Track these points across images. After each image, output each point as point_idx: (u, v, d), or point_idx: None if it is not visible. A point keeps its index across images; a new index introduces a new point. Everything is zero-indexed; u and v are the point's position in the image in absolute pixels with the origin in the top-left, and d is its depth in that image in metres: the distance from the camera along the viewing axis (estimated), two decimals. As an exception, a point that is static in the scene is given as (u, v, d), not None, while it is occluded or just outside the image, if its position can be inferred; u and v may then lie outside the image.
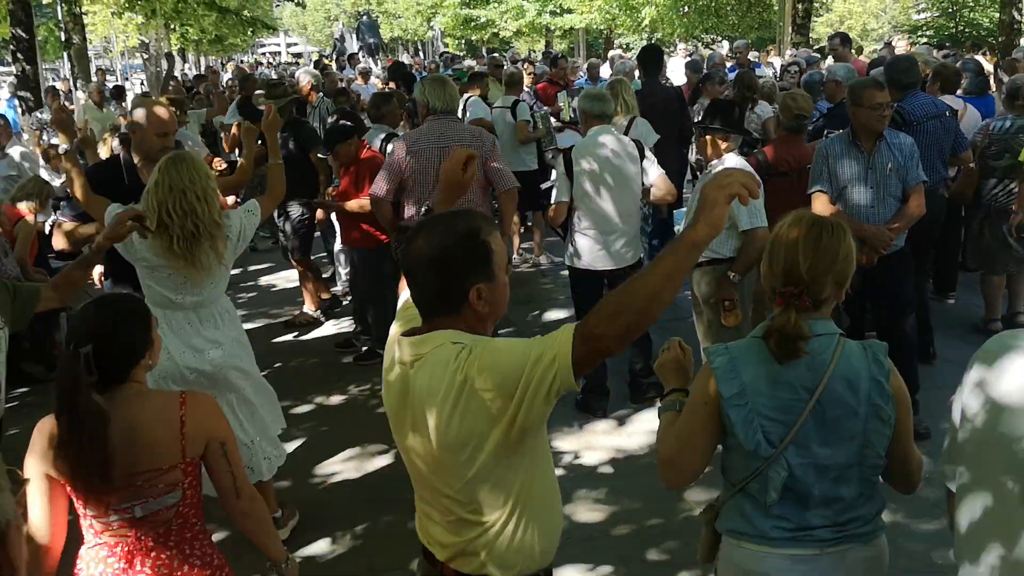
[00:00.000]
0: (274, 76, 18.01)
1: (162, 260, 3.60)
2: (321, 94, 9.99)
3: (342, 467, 4.84)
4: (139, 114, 4.31)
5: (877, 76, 5.67)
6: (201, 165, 3.64)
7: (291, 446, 4.94)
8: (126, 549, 2.30)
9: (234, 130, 8.22)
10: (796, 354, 2.12)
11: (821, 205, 4.74)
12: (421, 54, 40.41)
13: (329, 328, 7.18)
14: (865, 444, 2.18)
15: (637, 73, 8.79)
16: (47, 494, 2.25)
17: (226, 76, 19.56)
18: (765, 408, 2.16)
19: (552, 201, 5.20)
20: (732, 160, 4.60)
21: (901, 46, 12.64)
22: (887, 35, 27.47)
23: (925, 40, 23.73)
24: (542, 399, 1.83)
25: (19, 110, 12.22)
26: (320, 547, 4.09)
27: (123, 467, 2.20)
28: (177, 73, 27.82)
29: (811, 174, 4.88)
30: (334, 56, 28.29)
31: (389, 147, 6.37)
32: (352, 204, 5.96)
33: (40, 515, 2.26)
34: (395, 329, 2.22)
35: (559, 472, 4.64)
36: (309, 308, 7.29)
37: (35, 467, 2.24)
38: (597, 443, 4.98)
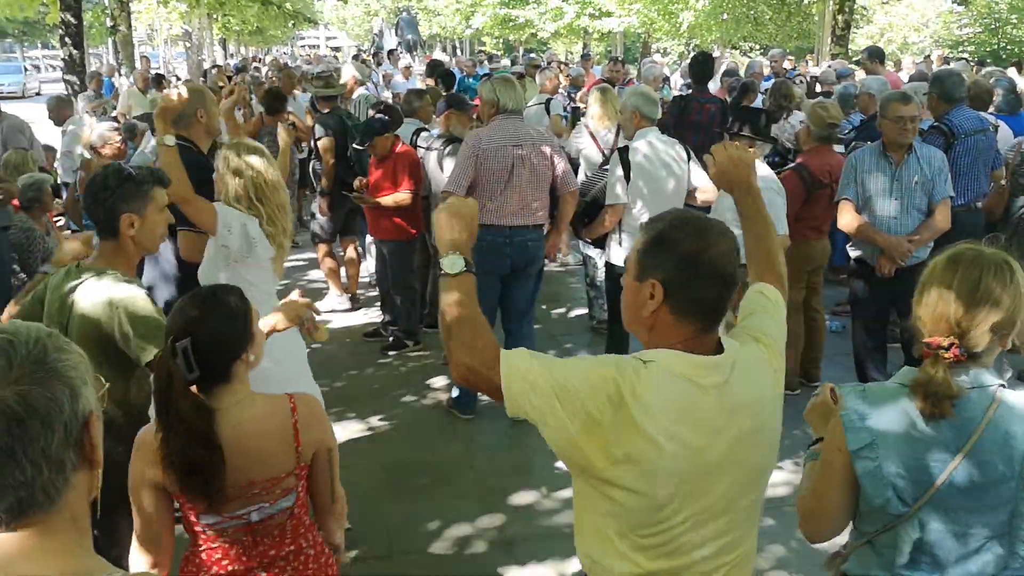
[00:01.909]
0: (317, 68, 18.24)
1: (268, 254, 3.56)
2: (363, 88, 10.19)
3: (366, 452, 4.97)
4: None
5: (907, 90, 5.71)
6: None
7: (318, 429, 5.07)
8: (240, 552, 2.22)
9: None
10: (943, 414, 1.88)
11: (847, 214, 4.83)
12: (460, 52, 40.60)
13: (359, 318, 7.32)
14: (1016, 515, 1.91)
15: (675, 80, 8.84)
16: (154, 505, 2.14)
17: (264, 68, 19.85)
18: (898, 465, 1.93)
19: (608, 202, 5.12)
20: (761, 170, 4.66)
21: (935, 59, 12.57)
22: (927, 49, 27.22)
23: (967, 55, 23.49)
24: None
25: (67, 93, 12.51)
26: (342, 527, 4.21)
27: (236, 475, 2.11)
28: (221, 63, 28.14)
29: (840, 183, 4.97)
30: (372, 51, 28.48)
31: (420, 141, 6.54)
32: (387, 200, 6.07)
33: (144, 526, 2.15)
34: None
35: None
36: (335, 294, 7.50)
37: (139, 476, 2.12)
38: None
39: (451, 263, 2.01)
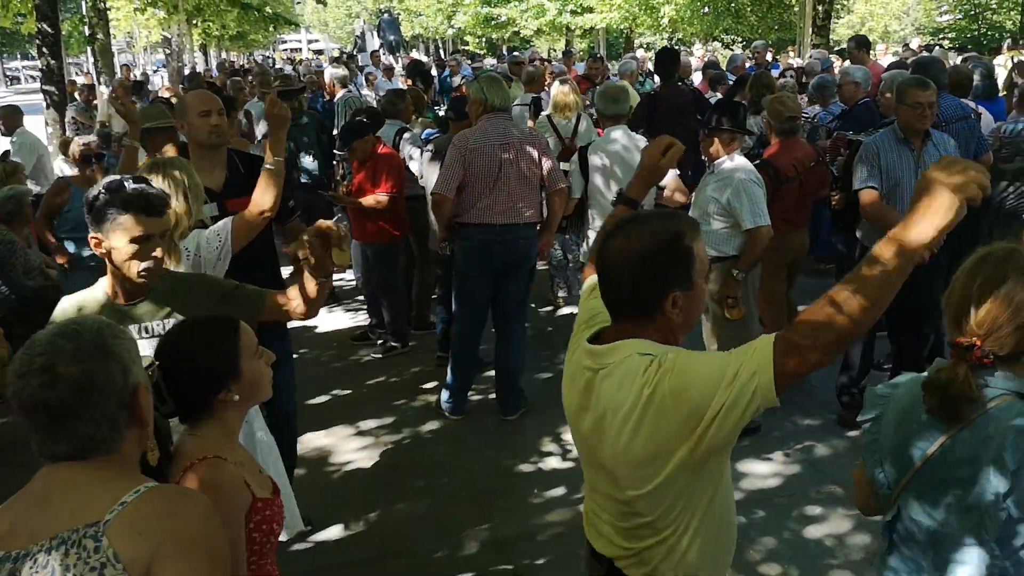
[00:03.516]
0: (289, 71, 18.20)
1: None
2: (345, 90, 10.19)
3: (356, 456, 4.95)
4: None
5: (884, 79, 5.73)
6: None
7: (308, 436, 5.06)
8: None
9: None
10: (959, 417, 1.82)
11: (874, 203, 4.72)
12: (442, 52, 40.53)
13: (346, 321, 7.30)
14: (987, 515, 1.82)
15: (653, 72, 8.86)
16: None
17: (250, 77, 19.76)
18: (890, 443, 1.97)
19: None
20: (738, 160, 4.67)
21: (914, 46, 12.61)
22: (908, 37, 27.34)
23: (948, 43, 23.61)
24: (736, 417, 1.71)
25: (44, 104, 12.42)
26: (335, 532, 4.20)
27: None
28: (200, 70, 28.03)
29: (859, 170, 4.78)
30: (349, 54, 28.41)
31: (404, 147, 6.51)
32: (368, 200, 6.05)
33: None
34: (581, 318, 2.12)
35: (568, 465, 4.74)
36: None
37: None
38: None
39: None
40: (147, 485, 1.55)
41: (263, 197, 3.37)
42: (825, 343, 1.63)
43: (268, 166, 3.40)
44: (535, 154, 5.06)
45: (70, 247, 5.88)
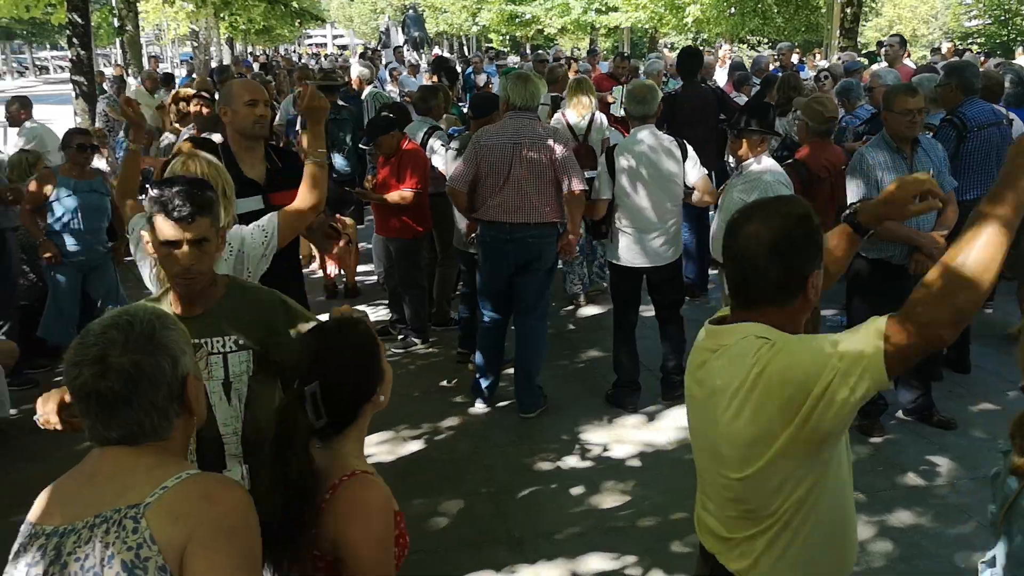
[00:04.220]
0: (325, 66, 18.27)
1: None
2: (372, 86, 10.26)
3: (375, 450, 4.96)
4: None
5: (913, 82, 5.67)
6: None
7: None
8: None
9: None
10: None
11: None
12: (465, 49, 40.57)
13: (367, 316, 7.31)
14: None
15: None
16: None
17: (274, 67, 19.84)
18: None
19: (592, 196, 5.24)
20: (766, 161, 4.64)
21: (944, 51, 12.47)
22: (937, 41, 27.08)
23: (977, 47, 23.36)
24: (843, 398, 1.67)
25: (73, 94, 12.52)
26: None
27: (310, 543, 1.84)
28: (228, 62, 28.18)
29: (852, 184, 4.76)
30: (372, 50, 28.46)
31: (431, 141, 6.51)
32: (393, 196, 6.06)
33: None
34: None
35: (587, 464, 4.73)
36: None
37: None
38: (627, 437, 5.04)
39: None
40: (189, 472, 1.59)
41: (312, 192, 3.26)
42: (947, 315, 1.61)
43: (315, 159, 3.28)
44: (551, 154, 5.02)
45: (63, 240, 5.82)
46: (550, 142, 5.05)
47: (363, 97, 9.82)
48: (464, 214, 5.46)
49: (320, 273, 8.00)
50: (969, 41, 28.00)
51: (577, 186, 5.07)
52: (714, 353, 1.92)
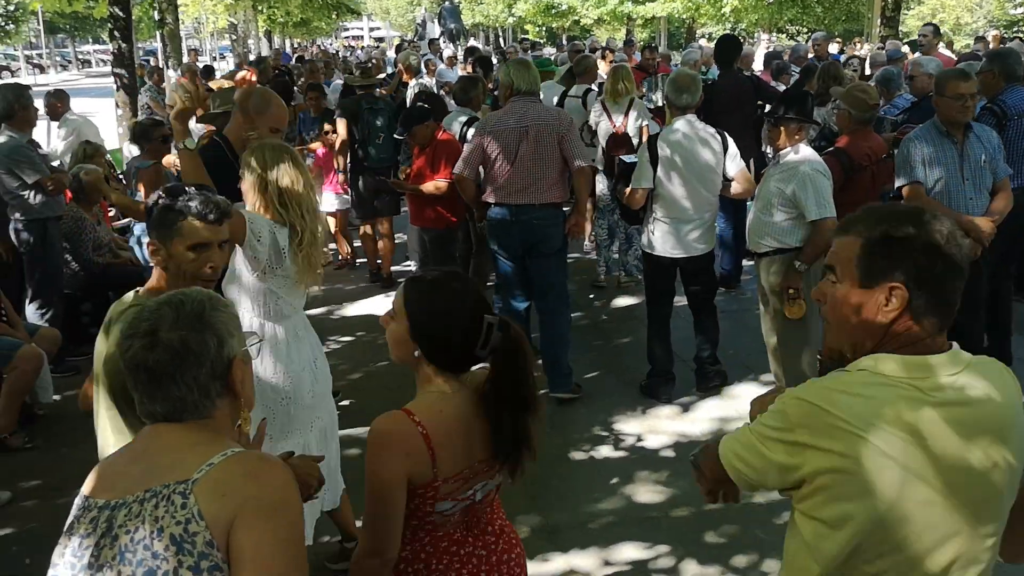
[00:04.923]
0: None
1: (296, 265, 3.29)
2: (416, 78, 10.40)
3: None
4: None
5: (964, 67, 5.58)
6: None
7: (356, 416, 5.10)
8: (463, 536, 2.18)
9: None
10: None
11: (918, 197, 4.65)
12: (501, 40, 40.53)
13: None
14: None
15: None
16: (403, 501, 2.05)
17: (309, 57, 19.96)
18: None
19: (632, 185, 5.16)
20: (804, 150, 4.59)
21: (990, 39, 12.22)
22: (981, 30, 26.54)
23: (1021, 36, 22.85)
24: None
25: (115, 86, 12.70)
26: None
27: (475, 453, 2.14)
28: (266, 54, 28.42)
29: (901, 167, 4.76)
30: (408, 42, 28.55)
31: (469, 131, 6.52)
32: (428, 186, 6.08)
33: (396, 528, 2.06)
34: None
35: (620, 454, 4.72)
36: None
37: (396, 473, 2.03)
38: (660, 427, 5.02)
39: None
40: (234, 450, 1.65)
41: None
42: None
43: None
44: (555, 134, 5.07)
45: None
46: (554, 123, 5.11)
47: (410, 88, 9.95)
48: (471, 202, 5.56)
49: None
50: (1015, 29, 27.41)
51: (584, 163, 5.20)
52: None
